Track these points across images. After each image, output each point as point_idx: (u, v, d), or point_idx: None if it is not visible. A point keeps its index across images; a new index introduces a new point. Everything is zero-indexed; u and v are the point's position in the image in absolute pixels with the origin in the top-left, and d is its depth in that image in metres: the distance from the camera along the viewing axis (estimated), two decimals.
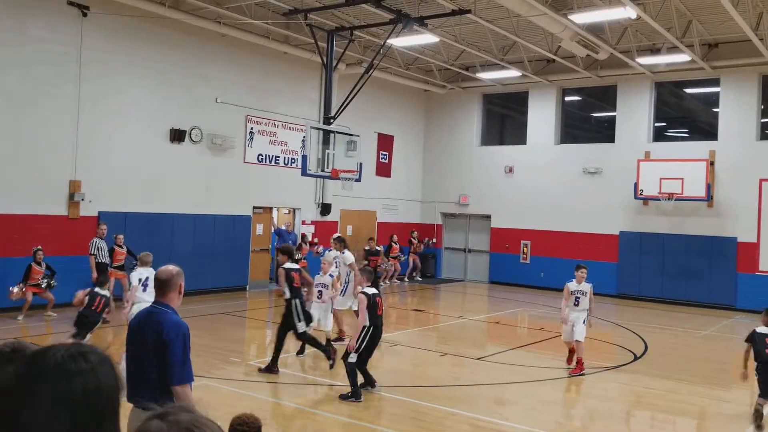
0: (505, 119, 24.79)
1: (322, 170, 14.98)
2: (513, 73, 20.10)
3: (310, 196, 19.84)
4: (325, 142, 15.13)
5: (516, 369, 10.50)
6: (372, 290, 8.59)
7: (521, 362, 11.06)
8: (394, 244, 21.24)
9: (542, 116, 21.76)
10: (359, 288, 9.43)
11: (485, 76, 20.94)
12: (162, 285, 4.27)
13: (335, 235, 12.69)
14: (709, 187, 18.16)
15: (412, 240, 22.24)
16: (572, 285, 10.55)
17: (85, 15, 14.11)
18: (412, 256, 22.28)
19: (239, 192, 17.58)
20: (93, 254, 13.17)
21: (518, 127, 22.68)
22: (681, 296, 18.71)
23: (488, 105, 23.53)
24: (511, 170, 22.22)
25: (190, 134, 16.29)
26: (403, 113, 23.40)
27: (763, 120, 18.42)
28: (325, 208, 20.20)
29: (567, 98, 21.88)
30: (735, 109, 18.56)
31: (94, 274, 12.56)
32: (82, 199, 14.16)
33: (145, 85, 15.40)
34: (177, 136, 15.96)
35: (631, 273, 19.43)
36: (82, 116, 14.23)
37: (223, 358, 10.21)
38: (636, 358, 11.56)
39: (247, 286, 17.79)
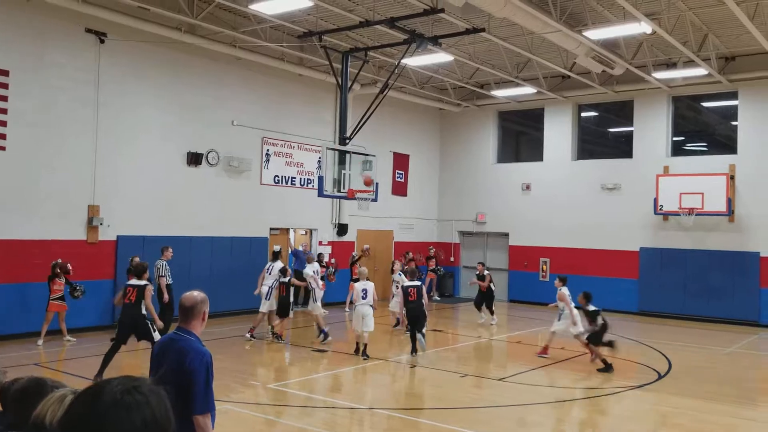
0: (520, 136, 24.72)
1: (338, 191, 14.98)
2: (528, 90, 20.06)
3: (326, 217, 19.85)
4: (341, 162, 15.15)
5: (538, 389, 10.32)
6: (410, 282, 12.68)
7: (543, 382, 10.88)
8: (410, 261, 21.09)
9: (558, 132, 21.66)
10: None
11: (500, 93, 20.92)
12: (186, 312, 4.23)
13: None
14: (730, 202, 17.92)
15: (432, 257, 22.08)
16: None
17: (102, 41, 14.31)
18: (429, 275, 22.13)
19: (256, 214, 17.62)
20: (162, 276, 13.34)
21: (534, 144, 22.59)
22: (703, 313, 18.38)
23: (504, 122, 23.49)
24: (528, 187, 22.10)
25: (207, 157, 16.39)
26: (419, 132, 23.42)
27: None
28: (342, 228, 20.18)
29: (583, 114, 21.78)
30: (754, 122, 18.35)
31: (165, 296, 13.00)
32: (101, 224, 14.25)
33: (162, 109, 15.54)
34: (194, 159, 16.07)
35: (653, 289, 19.14)
36: (100, 141, 14.38)
37: (242, 382, 10.15)
38: (660, 377, 11.32)
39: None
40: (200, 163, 16.23)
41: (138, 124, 15.09)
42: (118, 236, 14.59)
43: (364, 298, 12.23)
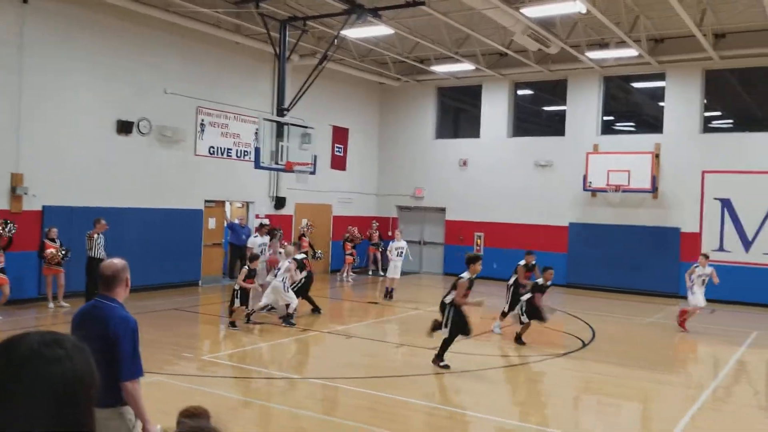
0: (459, 113, 25.00)
1: (276, 163, 14.86)
2: (467, 66, 20.27)
3: (263, 190, 19.64)
4: (279, 134, 15.01)
5: (470, 358, 10.63)
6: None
7: (474, 351, 11.20)
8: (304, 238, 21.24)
9: (495, 110, 22.03)
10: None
11: (439, 69, 21.06)
12: (107, 279, 4.16)
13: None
14: (654, 179, 18.71)
15: (372, 233, 22.24)
16: None
17: (25, 1, 13.62)
18: (371, 249, 22.30)
19: (190, 185, 17.28)
20: (90, 249, 13.38)
21: (472, 121, 22.90)
22: (627, 285, 19.23)
23: (443, 98, 23.69)
24: (465, 163, 22.44)
25: (138, 126, 15.91)
26: (359, 106, 23.36)
27: (705, 114, 19.03)
28: (279, 202, 20.03)
29: (519, 92, 22.19)
30: (679, 103, 19.13)
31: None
32: (25, 193, 13.70)
33: (91, 75, 14.96)
34: (124, 127, 15.58)
35: (580, 263, 19.88)
36: (25, 107, 13.75)
37: (176, 354, 10.05)
38: (584, 345, 11.84)
39: (200, 281, 17.52)
40: (131, 132, 15.75)
41: (65, 90, 14.50)
42: (44, 206, 14.06)
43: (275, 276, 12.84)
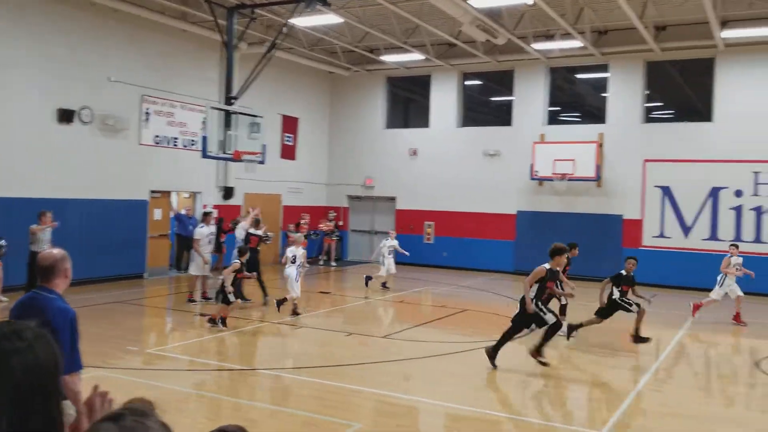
0: (409, 102, 25.08)
1: (224, 152, 14.64)
2: (416, 56, 20.33)
3: (211, 180, 19.33)
4: (227, 123, 14.79)
5: (420, 345, 10.74)
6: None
7: (425, 338, 11.32)
8: (302, 224, 21.12)
9: (444, 100, 22.20)
10: None
11: (389, 59, 21.07)
12: (45, 270, 4.04)
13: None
14: (598, 168, 19.20)
15: (327, 222, 22.15)
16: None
17: None
18: (326, 240, 22.20)
19: (135, 176, 16.87)
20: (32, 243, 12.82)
21: (421, 111, 23.02)
22: (574, 271, 19.53)
23: (392, 88, 23.71)
24: (415, 153, 22.56)
25: (80, 114, 15.43)
26: (308, 95, 23.19)
27: (647, 104, 19.58)
28: (228, 192, 19.75)
29: (468, 82, 22.39)
30: (622, 94, 19.64)
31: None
32: None
33: (30, 62, 14.41)
34: (65, 116, 15.08)
35: (528, 250, 20.24)
36: None
37: (120, 347, 9.84)
38: (531, 330, 12.07)
39: (145, 274, 17.16)
40: (72, 121, 15.26)
41: (2, 76, 13.93)
42: None
43: (293, 262, 12.75)
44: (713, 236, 18.21)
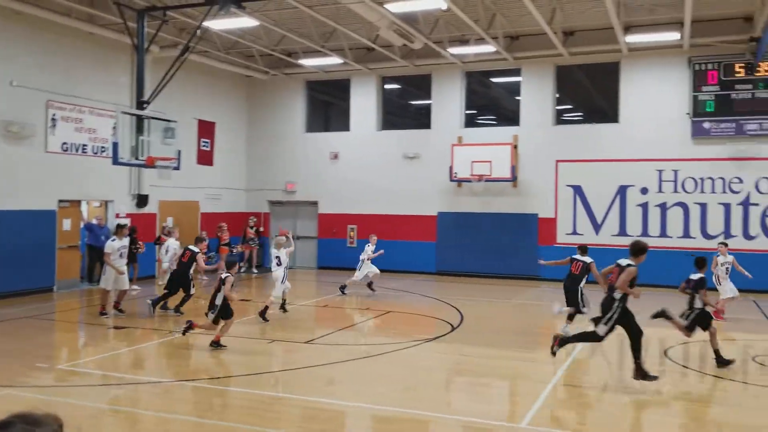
0: (329, 106, 25.06)
1: (136, 158, 14.17)
2: (335, 60, 20.33)
3: (124, 187, 18.64)
4: (139, 129, 14.35)
5: (345, 348, 10.72)
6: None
7: (350, 342, 11.31)
8: (222, 233, 20.71)
9: (364, 104, 22.31)
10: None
11: (307, 62, 20.97)
12: None
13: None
14: (514, 169, 19.78)
15: (248, 229, 21.78)
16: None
17: None
18: (247, 247, 21.80)
19: (42, 184, 16.06)
20: None
21: (342, 114, 23.03)
22: (493, 270, 20.20)
23: (312, 92, 23.61)
24: (336, 156, 22.55)
25: None
26: (225, 99, 22.78)
27: (557, 107, 20.34)
28: (142, 200, 19.10)
29: (387, 86, 22.59)
30: (534, 97, 20.32)
31: None
32: None
33: None
34: None
35: (449, 251, 20.63)
36: None
37: (29, 365, 9.33)
38: (453, 329, 12.31)
39: (55, 287, 16.36)
40: None
41: None
42: None
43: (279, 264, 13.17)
44: (622, 232, 19.10)
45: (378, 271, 16.84)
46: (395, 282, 18.70)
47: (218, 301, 10.41)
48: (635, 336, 8.49)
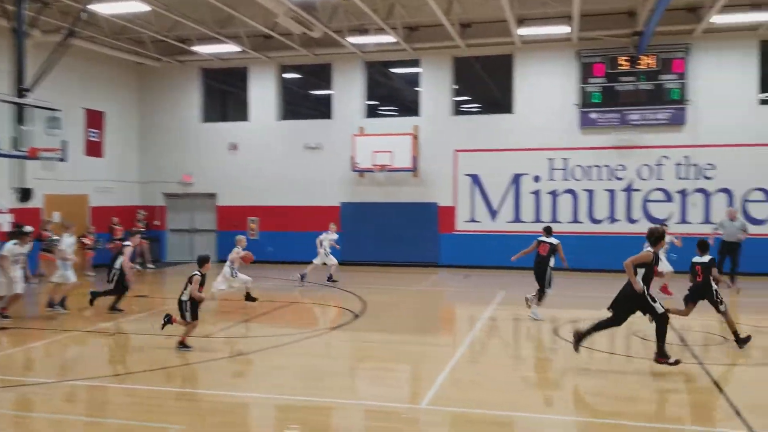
0: (226, 95, 24.45)
1: (17, 150, 13.29)
2: (231, 48, 19.83)
3: (4, 181, 17.39)
4: (20, 118, 13.46)
5: (247, 341, 10.54)
6: None
7: (252, 334, 11.14)
8: (115, 227, 19.82)
9: (263, 93, 21.93)
10: None
11: (202, 49, 20.34)
12: None
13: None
14: (415, 159, 20.09)
15: (138, 222, 20.90)
16: None
17: None
18: (140, 242, 20.89)
19: None
20: None
21: (240, 104, 22.54)
22: (396, 259, 20.47)
23: (208, 80, 22.93)
24: (235, 147, 22.06)
25: None
26: (115, 87, 21.73)
27: (455, 98, 20.80)
28: (25, 194, 17.87)
29: (286, 75, 22.29)
30: (433, 88, 20.68)
31: None
32: None
33: None
34: None
35: (353, 240, 20.68)
36: None
37: None
38: (356, 317, 12.38)
39: None
40: None
41: None
42: None
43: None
44: (516, 218, 19.86)
45: (336, 261, 16.90)
46: (299, 273, 18.56)
47: (184, 297, 9.82)
48: (617, 318, 8.73)
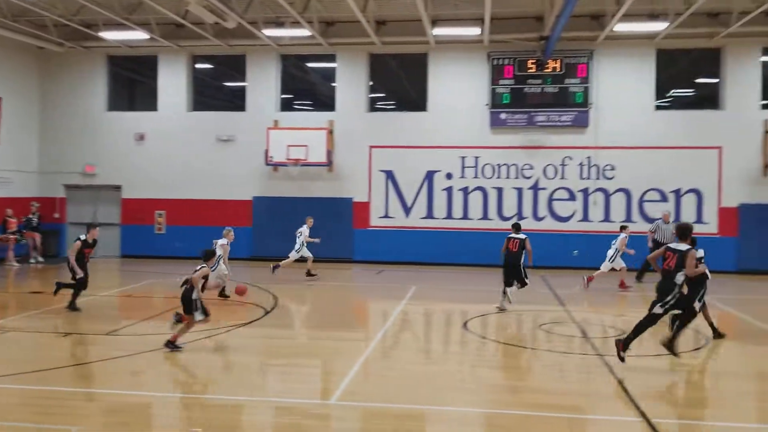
0: (134, 84, 23.51)
1: None
2: (140, 35, 19.09)
3: None
4: None
5: (151, 338, 10.18)
6: None
7: (155, 331, 10.76)
8: (10, 219, 18.68)
9: (173, 82, 21.26)
10: None
11: (109, 36, 19.49)
12: None
13: None
14: (330, 154, 20.03)
15: (31, 215, 19.79)
16: None
17: None
18: (31, 234, 19.82)
19: None
20: None
21: (149, 93, 21.73)
22: (312, 254, 20.29)
23: (115, 68, 21.98)
24: (142, 137, 21.27)
25: None
26: (12, 72, 20.47)
27: (371, 95, 20.88)
28: None
29: (198, 65, 21.69)
30: (348, 84, 20.68)
31: None
32: None
33: None
34: None
35: (265, 235, 20.40)
36: None
37: None
38: (267, 313, 12.21)
39: None
40: None
41: None
42: None
43: None
44: (429, 215, 20.18)
45: (311, 255, 16.82)
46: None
47: (195, 296, 9.36)
48: (687, 318, 8.79)
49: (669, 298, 8.45)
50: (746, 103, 19.05)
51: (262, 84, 20.91)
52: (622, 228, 15.89)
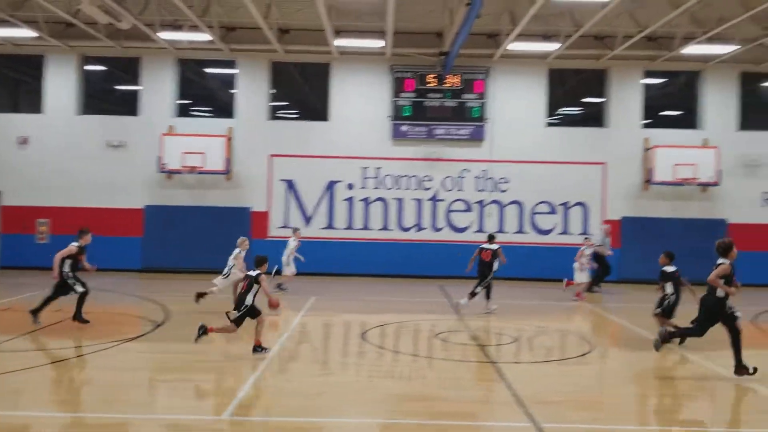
0: (18, 84, 22.12)
1: None
2: (26, 32, 18.01)
3: None
4: None
5: (33, 354, 9.52)
6: None
7: (39, 347, 10.09)
8: None
9: (61, 84, 20.19)
10: None
11: None
12: None
13: None
14: (228, 162, 19.60)
15: None
16: None
17: None
18: None
19: None
20: None
21: (34, 94, 20.52)
22: (205, 265, 19.58)
23: None
24: (25, 141, 20.01)
25: None
26: None
27: (272, 103, 20.64)
28: None
29: (90, 67, 20.69)
30: (249, 91, 20.37)
31: None
32: None
33: None
34: None
35: (157, 246, 19.65)
36: None
37: None
38: (158, 326, 11.74)
39: None
40: None
41: None
42: None
43: None
44: (330, 225, 20.16)
45: (294, 271, 16.47)
46: (95, 280, 17.17)
47: (249, 301, 9.63)
48: (734, 333, 8.80)
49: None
50: (629, 122, 20.35)
51: (157, 88, 20.20)
52: (586, 239, 17.10)
